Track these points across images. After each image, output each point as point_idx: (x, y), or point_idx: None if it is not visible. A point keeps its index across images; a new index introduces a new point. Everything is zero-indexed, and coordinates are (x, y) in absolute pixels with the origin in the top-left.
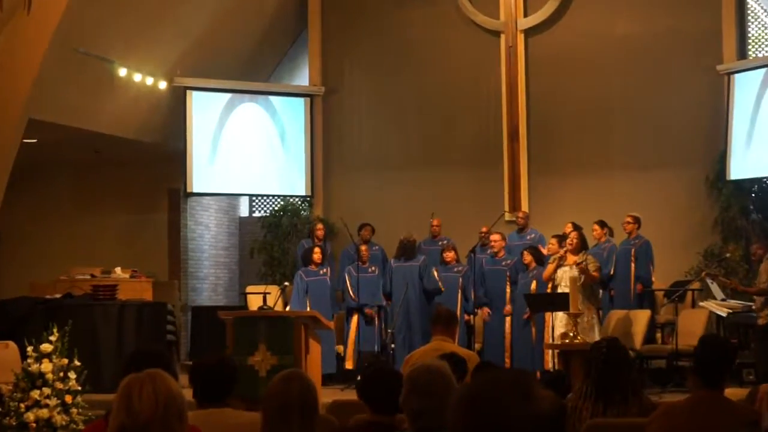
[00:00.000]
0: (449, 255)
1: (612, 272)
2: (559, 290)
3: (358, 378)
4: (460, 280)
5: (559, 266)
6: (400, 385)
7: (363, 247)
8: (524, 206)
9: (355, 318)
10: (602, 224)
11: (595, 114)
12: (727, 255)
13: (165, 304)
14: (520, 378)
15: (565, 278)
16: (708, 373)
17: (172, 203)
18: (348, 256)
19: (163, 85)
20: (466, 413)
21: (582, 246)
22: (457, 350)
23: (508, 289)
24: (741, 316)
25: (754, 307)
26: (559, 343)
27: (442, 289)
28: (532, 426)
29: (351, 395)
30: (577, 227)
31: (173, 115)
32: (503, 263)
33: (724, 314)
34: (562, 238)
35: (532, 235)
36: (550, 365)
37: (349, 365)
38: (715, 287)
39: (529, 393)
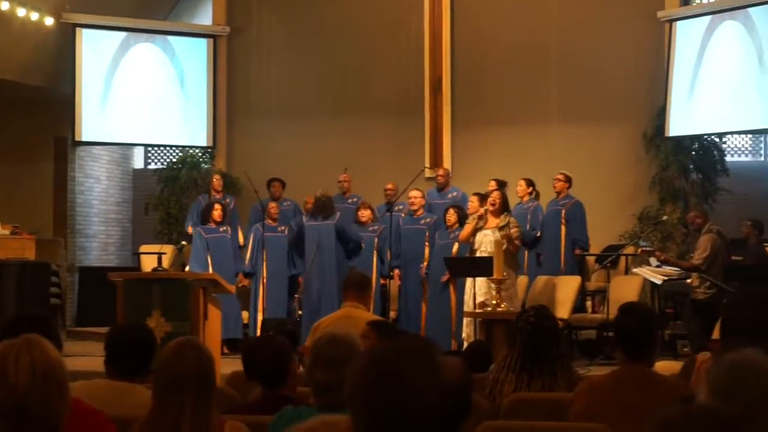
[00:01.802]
0: (365, 214)
1: (539, 234)
2: (479, 255)
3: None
4: (376, 240)
5: (478, 229)
6: (288, 357)
7: (272, 204)
8: (446, 162)
9: (262, 282)
10: (529, 182)
11: (527, 63)
12: (664, 218)
13: (49, 264)
14: (422, 346)
15: (485, 242)
16: (630, 346)
17: (59, 153)
18: (257, 214)
19: (50, 21)
20: (363, 386)
21: (504, 207)
22: (368, 318)
23: (426, 252)
24: (677, 284)
25: (689, 281)
26: (480, 311)
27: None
28: (437, 398)
29: None
30: (501, 184)
31: (61, 56)
32: (422, 222)
33: (659, 282)
34: (483, 197)
35: (454, 193)
36: (471, 334)
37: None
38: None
39: (432, 361)
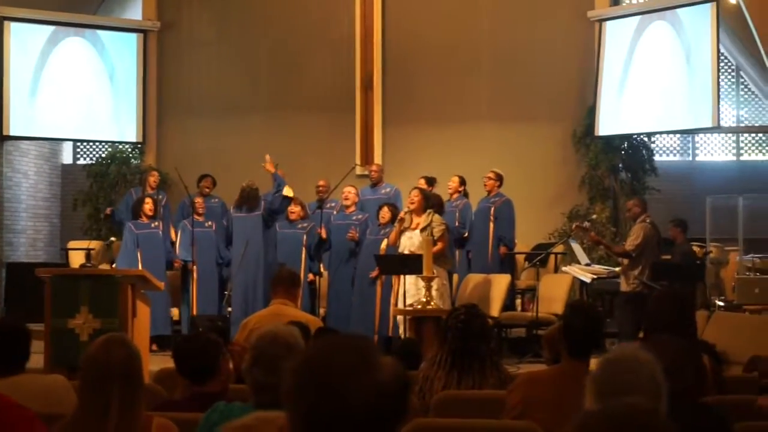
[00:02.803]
0: (295, 210)
1: (467, 234)
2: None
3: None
4: (305, 237)
5: (403, 230)
6: (217, 353)
7: (198, 200)
8: (377, 159)
9: (193, 278)
10: (462, 180)
11: (458, 61)
12: (594, 216)
13: None
14: (358, 344)
15: (408, 245)
16: (575, 343)
17: None
18: (185, 210)
19: None
20: (298, 384)
21: (426, 205)
22: (297, 315)
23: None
24: (606, 283)
25: (618, 270)
26: (410, 308)
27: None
28: (373, 396)
29: None
30: (430, 181)
31: None
32: (354, 218)
33: (588, 280)
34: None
35: (387, 190)
36: (400, 332)
37: (185, 330)
38: (579, 250)
39: (369, 360)
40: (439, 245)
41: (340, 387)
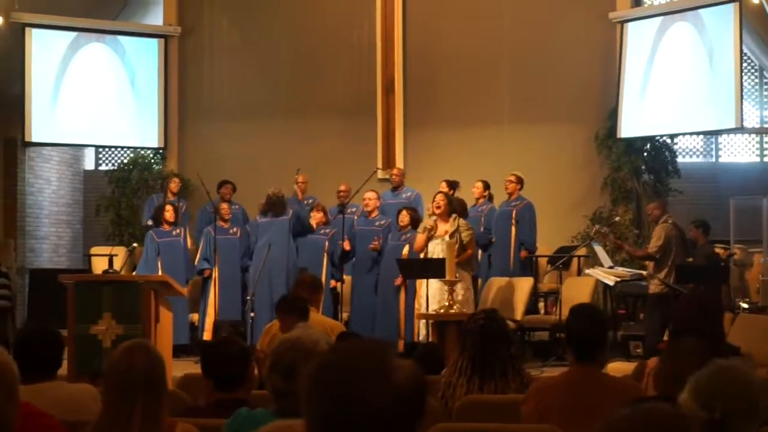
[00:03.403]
0: (317, 216)
1: (493, 238)
2: None
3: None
4: (327, 243)
5: (430, 237)
6: (247, 361)
7: (224, 205)
8: (399, 162)
9: (214, 283)
10: (486, 185)
11: (479, 64)
12: (617, 219)
13: None
14: (375, 347)
15: (437, 252)
16: (580, 347)
17: (8, 154)
18: (206, 216)
19: None
20: (315, 389)
21: (452, 209)
22: (319, 320)
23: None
24: (629, 285)
25: (645, 274)
26: (432, 312)
27: (314, 227)
28: (390, 399)
29: None
30: (453, 185)
31: (10, 56)
32: (376, 224)
33: (611, 283)
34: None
35: (409, 194)
36: (422, 337)
37: (207, 336)
38: (602, 253)
39: (385, 363)
40: (469, 251)
41: (357, 391)
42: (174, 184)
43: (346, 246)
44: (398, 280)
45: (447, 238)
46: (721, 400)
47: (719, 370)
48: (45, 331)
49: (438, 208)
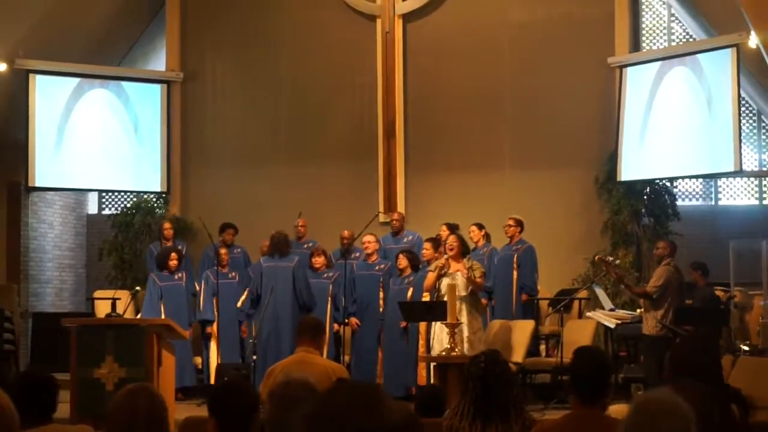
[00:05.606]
0: (318, 260)
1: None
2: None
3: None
4: (330, 287)
5: (441, 275)
6: (256, 408)
7: (223, 251)
8: (400, 207)
9: (215, 326)
10: (480, 226)
11: (479, 108)
12: (617, 261)
13: (2, 310)
14: (367, 389)
15: (448, 289)
16: (584, 389)
17: (12, 198)
18: (208, 259)
19: (2, 67)
20: (310, 429)
21: (465, 250)
22: (322, 363)
23: (381, 297)
24: (630, 328)
25: (639, 312)
26: (435, 355)
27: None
28: None
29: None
30: (452, 228)
31: (14, 101)
32: (376, 268)
33: (612, 325)
34: (436, 242)
35: (409, 238)
36: (427, 380)
37: (213, 380)
38: (603, 295)
39: (377, 404)
40: (480, 282)
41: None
42: (167, 230)
43: (353, 325)
44: (403, 323)
45: (459, 275)
46: None
47: (648, 403)
48: (38, 377)
49: (451, 249)
